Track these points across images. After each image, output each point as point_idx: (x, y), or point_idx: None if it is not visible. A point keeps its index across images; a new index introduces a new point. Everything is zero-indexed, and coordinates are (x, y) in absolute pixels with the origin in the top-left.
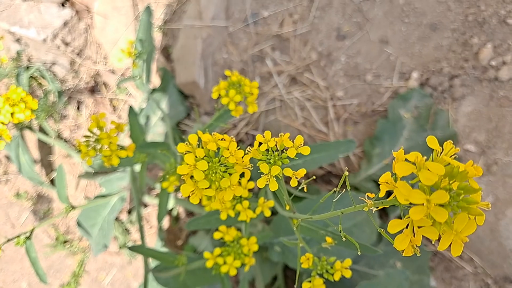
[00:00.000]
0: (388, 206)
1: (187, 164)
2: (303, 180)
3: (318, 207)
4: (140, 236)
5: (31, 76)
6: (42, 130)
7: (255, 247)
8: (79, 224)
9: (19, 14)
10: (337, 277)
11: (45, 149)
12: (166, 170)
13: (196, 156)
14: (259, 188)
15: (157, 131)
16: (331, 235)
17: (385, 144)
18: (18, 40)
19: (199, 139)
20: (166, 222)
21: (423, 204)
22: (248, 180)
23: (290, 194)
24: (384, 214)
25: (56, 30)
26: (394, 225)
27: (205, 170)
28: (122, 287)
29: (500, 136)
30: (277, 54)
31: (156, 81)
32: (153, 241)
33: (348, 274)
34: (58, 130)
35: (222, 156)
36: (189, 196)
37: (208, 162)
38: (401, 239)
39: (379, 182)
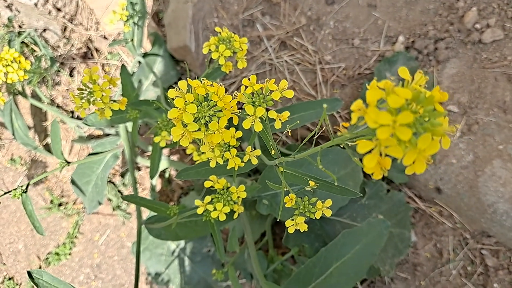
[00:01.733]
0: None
1: (177, 107)
2: (288, 132)
3: (304, 162)
4: (133, 188)
5: (23, 42)
6: (35, 96)
7: (244, 194)
8: (73, 182)
9: None
10: (318, 215)
11: (38, 115)
12: (158, 125)
13: (186, 101)
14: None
15: (148, 95)
16: (314, 180)
17: None
18: (9, 6)
19: (189, 86)
20: (158, 184)
21: (389, 125)
22: (237, 131)
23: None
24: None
25: None
26: (363, 145)
27: (194, 113)
28: (116, 247)
29: (482, 97)
30: (267, 19)
31: (147, 46)
32: None
33: (328, 213)
34: (51, 96)
35: (211, 100)
36: (184, 151)
37: (197, 106)
38: (369, 158)
39: (351, 109)
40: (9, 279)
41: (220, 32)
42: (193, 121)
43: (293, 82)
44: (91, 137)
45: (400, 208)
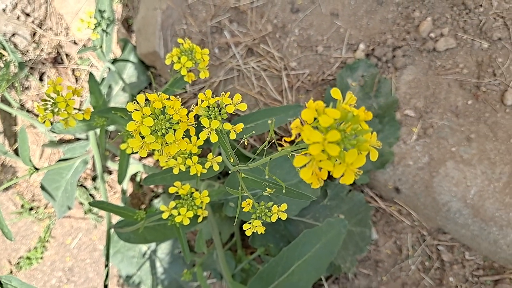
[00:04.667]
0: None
1: (135, 121)
2: (245, 142)
3: (269, 165)
4: (103, 193)
5: None
6: (4, 101)
7: (207, 199)
8: (43, 188)
9: None
10: (274, 218)
11: (8, 119)
12: (124, 132)
13: (143, 114)
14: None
15: (119, 100)
16: (272, 185)
17: None
18: None
19: (147, 99)
20: (130, 188)
21: (320, 142)
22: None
23: (243, 155)
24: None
25: (15, 0)
26: (298, 160)
27: (151, 126)
28: (89, 250)
29: (437, 102)
30: (235, 26)
31: (117, 51)
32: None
33: (283, 216)
34: (20, 101)
35: (167, 114)
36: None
37: (154, 119)
38: (304, 171)
39: (291, 127)
40: None
41: (182, 44)
42: (150, 133)
43: (260, 88)
44: (62, 141)
45: (360, 208)
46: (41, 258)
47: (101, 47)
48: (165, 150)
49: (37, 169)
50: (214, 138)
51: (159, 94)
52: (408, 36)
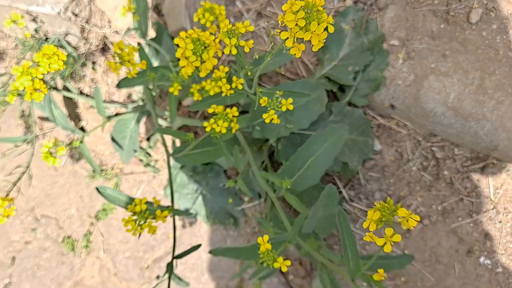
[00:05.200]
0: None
1: (180, 47)
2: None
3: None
4: (153, 117)
5: None
6: (65, 89)
7: (236, 113)
8: (113, 139)
9: None
10: (283, 109)
11: (71, 105)
12: (172, 77)
13: (186, 43)
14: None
15: None
16: (281, 90)
17: (333, 50)
18: (34, 19)
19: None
20: (177, 141)
21: (293, 20)
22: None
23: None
24: (332, 95)
25: (66, 4)
26: (283, 34)
27: (192, 49)
28: (151, 196)
29: (415, 30)
30: None
31: (152, 34)
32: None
33: (291, 107)
34: (79, 88)
35: (202, 40)
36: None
37: (193, 45)
38: (288, 41)
39: (282, 9)
40: (68, 237)
41: (204, 4)
42: (192, 55)
43: (271, 43)
44: (117, 114)
45: (361, 121)
46: (115, 208)
47: (140, 29)
48: (202, 67)
49: (109, 117)
50: (234, 51)
51: (194, 28)
52: None
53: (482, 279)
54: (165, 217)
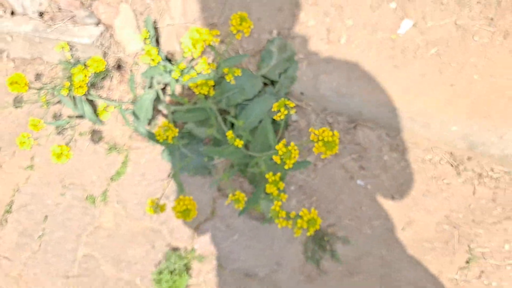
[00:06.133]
0: None
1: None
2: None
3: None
4: (172, 87)
5: None
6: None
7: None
8: (134, 113)
9: (74, 31)
10: (236, 73)
11: (92, 106)
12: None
13: None
14: None
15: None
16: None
17: (266, 62)
18: (71, 48)
19: None
20: None
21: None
22: None
23: None
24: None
25: (97, 37)
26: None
27: None
28: (154, 163)
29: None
30: None
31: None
32: None
33: (239, 73)
34: (98, 95)
35: None
36: None
37: None
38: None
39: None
40: (90, 196)
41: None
42: None
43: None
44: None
45: None
46: (124, 172)
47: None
48: None
49: (136, 96)
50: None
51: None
52: None
53: (358, 194)
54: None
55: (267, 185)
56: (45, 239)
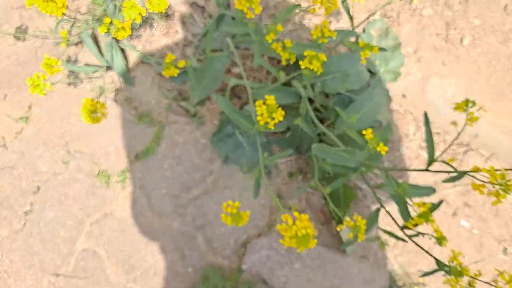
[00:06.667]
0: None
1: None
2: None
3: None
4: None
5: None
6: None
7: None
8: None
9: None
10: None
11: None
12: None
13: None
14: None
15: None
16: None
17: None
18: None
19: None
20: None
21: None
22: None
23: None
24: None
25: None
26: None
27: None
28: (192, 143)
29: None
30: None
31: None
32: None
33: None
34: (133, 45)
35: None
36: None
37: None
38: None
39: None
40: (103, 172)
41: None
42: None
43: None
44: None
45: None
46: (156, 150)
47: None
48: None
49: (200, 60)
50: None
51: None
52: None
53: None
54: None
55: None
56: (32, 217)
